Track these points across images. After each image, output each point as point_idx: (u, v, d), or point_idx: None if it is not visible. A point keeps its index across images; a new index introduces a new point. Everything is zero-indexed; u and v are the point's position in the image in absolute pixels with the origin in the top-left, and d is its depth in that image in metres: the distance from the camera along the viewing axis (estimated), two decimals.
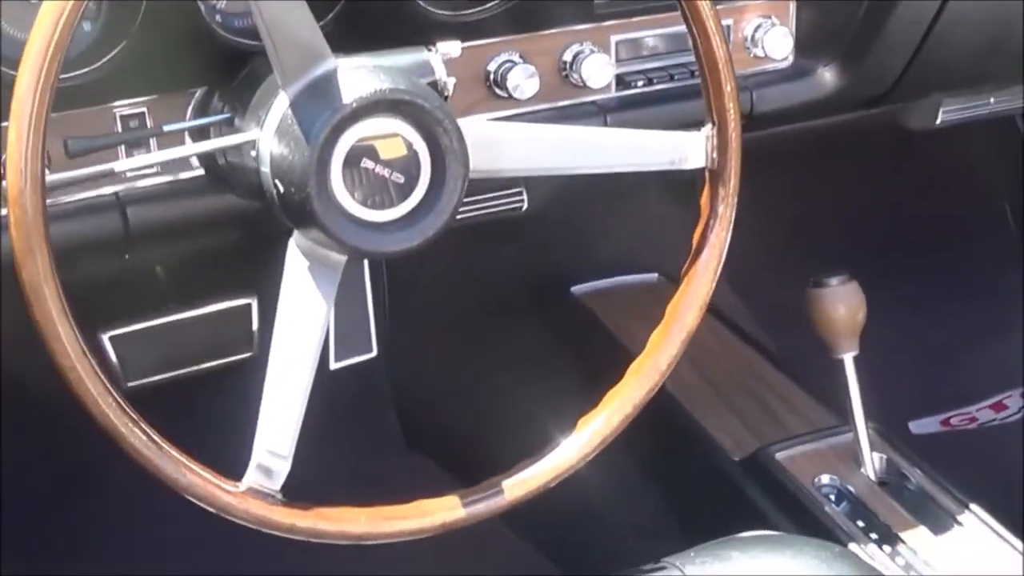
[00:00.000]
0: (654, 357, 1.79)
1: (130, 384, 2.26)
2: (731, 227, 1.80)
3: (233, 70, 1.84)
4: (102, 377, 1.52)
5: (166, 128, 1.81)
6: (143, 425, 1.55)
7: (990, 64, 2.64)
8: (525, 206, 2.23)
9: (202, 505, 1.57)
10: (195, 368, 2.28)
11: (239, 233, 1.98)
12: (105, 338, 2.19)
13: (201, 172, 1.88)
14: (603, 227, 2.38)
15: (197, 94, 1.89)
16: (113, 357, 2.21)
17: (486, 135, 1.66)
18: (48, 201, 1.48)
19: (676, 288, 2.59)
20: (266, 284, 2.05)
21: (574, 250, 2.90)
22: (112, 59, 1.79)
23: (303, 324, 1.62)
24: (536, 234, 2.19)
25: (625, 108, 2.21)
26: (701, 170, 1.78)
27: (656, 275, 3.07)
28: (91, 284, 1.79)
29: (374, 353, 2.10)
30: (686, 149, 1.76)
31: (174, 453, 1.56)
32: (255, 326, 2.27)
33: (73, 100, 1.70)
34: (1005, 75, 2.74)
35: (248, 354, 2.28)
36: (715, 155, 1.77)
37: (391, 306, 2.43)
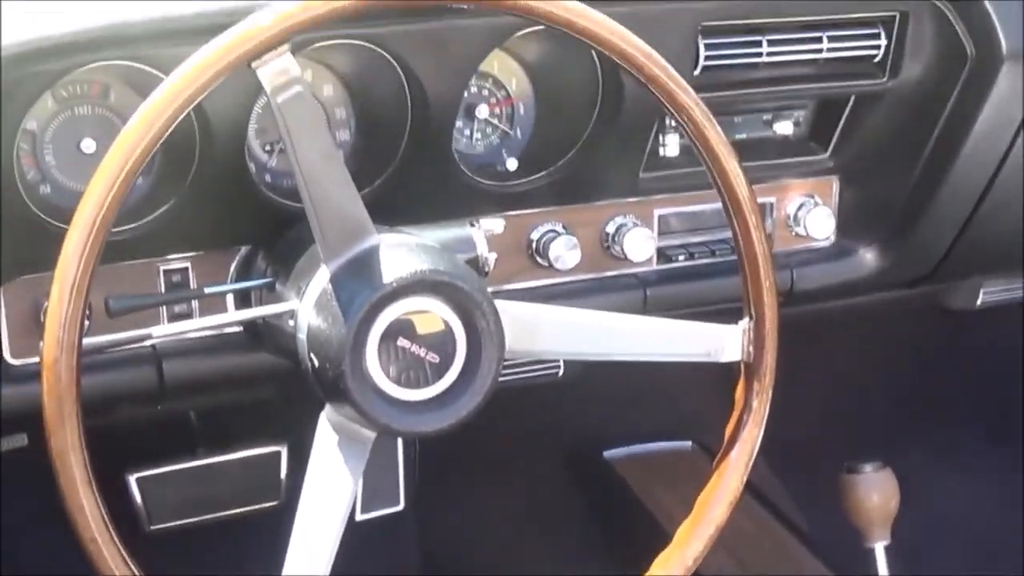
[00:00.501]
0: (681, 551, 1.79)
1: (153, 527, 2.24)
2: (764, 422, 1.80)
3: (278, 231, 1.85)
4: (122, 551, 1.52)
5: (208, 290, 1.83)
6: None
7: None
8: (561, 373, 2.22)
9: None
10: (220, 514, 2.26)
11: (272, 389, 1.97)
12: (132, 480, 2.18)
13: (238, 329, 1.86)
14: (638, 392, 2.37)
15: (241, 252, 1.90)
16: (138, 499, 2.19)
17: (523, 317, 1.66)
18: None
19: (710, 458, 2.61)
20: (296, 434, 2.06)
21: (608, 415, 2.88)
22: (160, 215, 1.81)
23: (330, 497, 1.61)
24: (571, 398, 2.18)
25: (665, 282, 2.21)
26: (738, 363, 1.78)
27: (690, 443, 3.06)
28: (121, 425, 1.80)
29: (401, 507, 2.10)
30: (723, 342, 1.77)
31: None
32: (283, 474, 2.25)
33: (116, 254, 1.71)
34: None
35: (274, 502, 2.27)
36: (751, 349, 1.77)
37: (421, 459, 2.42)
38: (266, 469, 2.25)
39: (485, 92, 2.04)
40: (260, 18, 1.48)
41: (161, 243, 1.85)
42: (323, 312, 1.57)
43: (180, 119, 1.48)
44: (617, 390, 2.23)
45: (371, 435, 1.61)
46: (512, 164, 2.06)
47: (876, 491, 2.39)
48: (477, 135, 2.05)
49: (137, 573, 1.52)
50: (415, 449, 2.32)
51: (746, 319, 1.78)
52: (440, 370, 1.57)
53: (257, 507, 2.26)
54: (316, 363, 1.57)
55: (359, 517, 2.14)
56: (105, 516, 1.51)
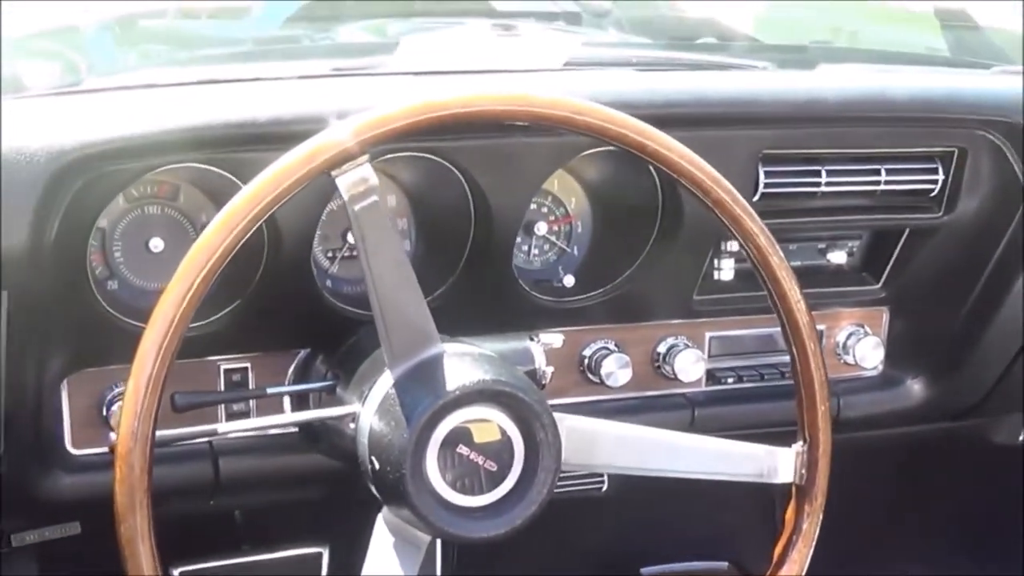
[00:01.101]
0: None
1: None
2: (814, 544, 1.80)
3: (337, 336, 1.87)
4: None
5: (271, 391, 1.85)
6: None
7: None
8: (604, 488, 2.23)
9: None
10: None
11: (320, 491, 1.99)
12: (175, 574, 2.21)
13: (294, 430, 1.88)
14: (678, 510, 2.37)
15: (300, 355, 1.92)
16: None
17: (581, 430, 1.68)
18: None
19: None
20: (338, 535, 2.09)
21: (647, 531, 2.87)
22: (224, 316, 1.83)
23: None
24: (611, 512, 2.19)
25: (714, 403, 2.22)
26: (790, 484, 1.79)
27: (727, 564, 3.04)
28: (169, 518, 1.83)
29: None
30: (776, 463, 1.78)
31: None
32: (325, 572, 2.26)
33: (181, 352, 1.75)
34: None
35: None
36: (804, 471, 1.78)
37: (459, 565, 2.43)
38: (307, 569, 2.25)
39: (544, 209, 2.06)
40: (341, 129, 1.51)
41: (224, 343, 1.88)
42: (386, 416, 1.59)
43: (260, 223, 1.51)
44: (656, 507, 2.23)
45: (426, 538, 1.63)
46: (569, 281, 2.07)
47: None
48: (535, 251, 2.07)
49: None
50: (454, 554, 2.31)
51: (800, 442, 1.78)
52: (497, 479, 1.59)
53: None
54: (377, 466, 1.59)
55: None
56: None
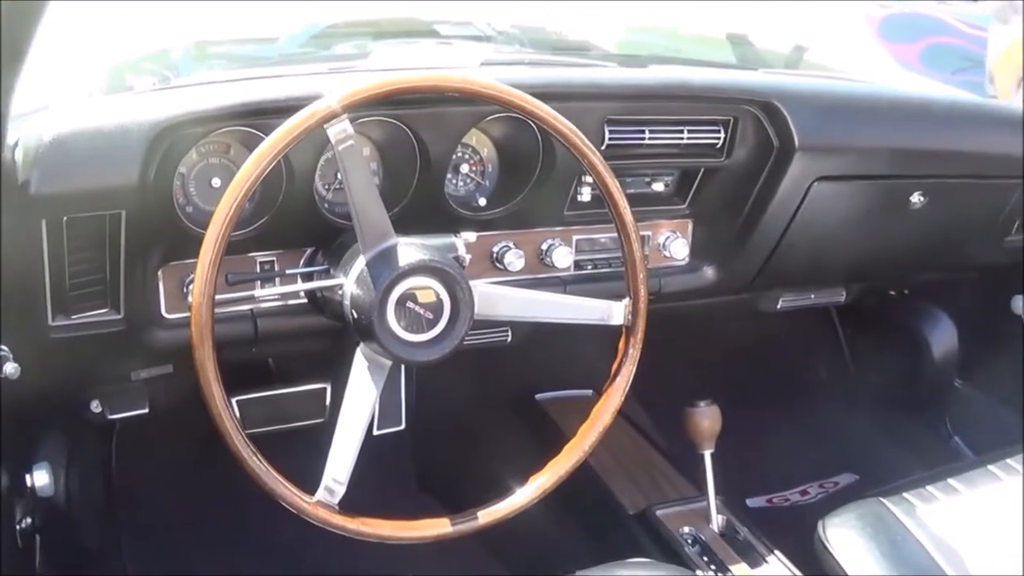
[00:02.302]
0: (580, 441, 1.81)
1: (246, 432, 2.24)
2: (636, 363, 1.82)
3: (331, 238, 1.88)
4: (237, 424, 1.59)
5: (289, 271, 1.89)
6: (258, 457, 1.61)
7: (811, 273, 2.65)
8: (509, 339, 2.23)
9: (288, 508, 1.63)
10: (287, 425, 2.25)
11: (325, 342, 1.97)
12: (234, 401, 2.20)
13: (305, 301, 1.90)
14: (561, 356, 2.37)
15: (307, 251, 1.93)
16: (237, 413, 2.21)
17: (487, 292, 1.72)
18: None
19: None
20: (337, 374, 2.07)
21: (540, 371, 2.90)
22: (258, 226, 1.85)
23: (361, 403, 1.66)
24: (515, 356, 2.20)
25: (579, 282, 2.21)
26: (621, 326, 1.82)
27: (591, 391, 3.04)
28: (229, 365, 1.83)
29: (403, 427, 2.11)
30: (612, 312, 1.80)
31: (275, 475, 1.61)
32: (327, 402, 2.24)
33: (231, 250, 1.75)
34: (823, 282, 2.77)
35: (322, 419, 2.26)
36: (630, 317, 1.81)
37: (418, 398, 2.42)
38: (317, 397, 2.24)
39: (465, 155, 2.06)
40: (330, 97, 1.56)
41: (258, 243, 1.89)
42: (360, 285, 1.62)
43: (275, 164, 1.57)
44: (547, 353, 2.21)
45: (388, 363, 1.66)
46: (482, 202, 2.07)
47: (706, 419, 2.42)
48: (460, 183, 2.07)
49: (245, 439, 1.60)
50: (414, 390, 2.30)
51: (627, 299, 1.81)
52: (433, 323, 1.63)
53: (311, 422, 2.25)
54: (355, 316, 1.62)
55: (376, 433, 2.11)
56: (227, 402, 1.58)
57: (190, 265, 1.80)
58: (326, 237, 1.90)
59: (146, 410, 2.10)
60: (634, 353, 1.82)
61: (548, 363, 2.49)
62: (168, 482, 2.60)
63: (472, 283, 1.66)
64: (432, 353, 1.64)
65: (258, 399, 2.20)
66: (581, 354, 2.05)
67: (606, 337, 1.86)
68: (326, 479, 1.63)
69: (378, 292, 1.59)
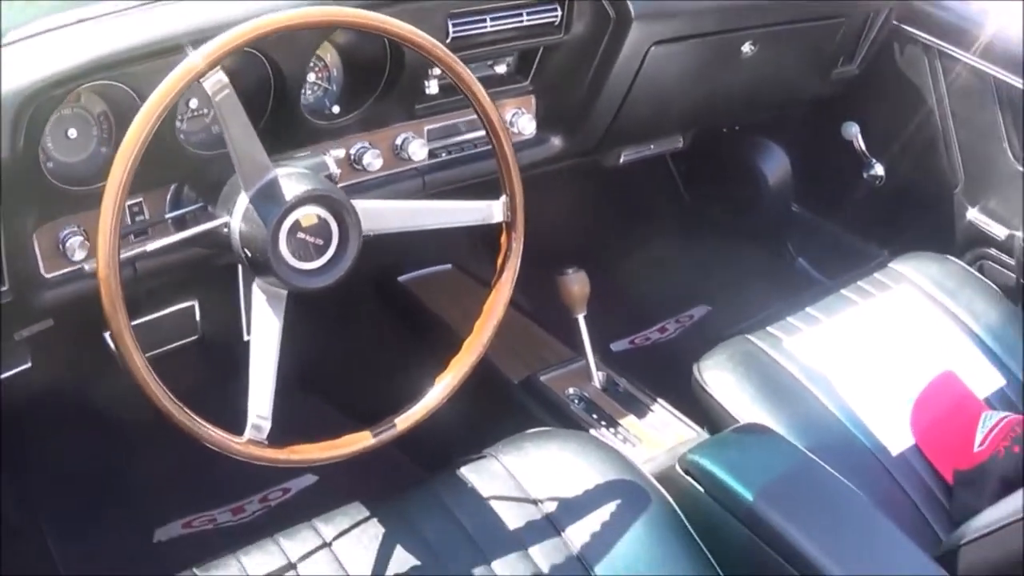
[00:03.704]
0: (478, 336, 1.87)
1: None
2: (520, 256, 1.88)
3: (193, 170, 1.89)
4: (162, 386, 1.60)
5: (173, 214, 1.89)
6: (187, 411, 1.62)
7: (652, 129, 2.77)
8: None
9: (222, 451, 1.66)
10: (164, 348, 2.27)
11: (189, 271, 2.00)
12: (107, 336, 2.20)
13: (178, 238, 1.82)
14: (413, 236, 2.43)
15: (172, 188, 1.92)
16: (113, 348, 2.21)
17: (370, 209, 1.73)
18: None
19: (464, 274, 2.66)
20: (202, 291, 2.11)
21: (397, 253, 2.96)
22: None
23: (268, 337, 1.68)
24: (372, 244, 2.25)
25: (435, 170, 2.26)
26: (502, 222, 1.88)
27: (450, 265, 3.14)
28: (98, 303, 1.83)
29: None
30: (492, 211, 1.85)
31: (204, 423, 1.63)
32: (198, 318, 2.27)
33: (98, 202, 1.74)
34: (660, 134, 2.87)
35: (195, 337, 2.29)
36: (509, 213, 1.86)
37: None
38: (188, 316, 2.28)
39: (311, 64, 2.06)
40: (196, 55, 1.56)
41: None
42: (249, 222, 1.63)
43: (163, 114, 1.56)
44: (400, 236, 2.27)
45: (284, 292, 1.68)
46: (336, 109, 2.09)
47: (576, 284, 2.53)
48: (308, 91, 2.08)
49: (168, 393, 1.61)
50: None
51: (504, 196, 1.86)
52: (324, 250, 1.66)
53: (186, 341, 2.29)
54: (250, 254, 1.64)
55: (246, 339, 2.13)
56: (148, 366, 1.59)
57: (60, 223, 1.81)
58: (187, 170, 1.90)
59: (28, 364, 2.09)
60: (517, 247, 1.87)
61: (403, 245, 2.55)
62: (64, 436, 2.61)
63: (356, 203, 1.69)
64: (328, 278, 1.67)
65: (139, 327, 2.18)
66: (433, 232, 2.11)
67: None
68: (251, 417, 1.66)
69: (269, 228, 1.60)
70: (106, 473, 2.60)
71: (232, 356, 1.96)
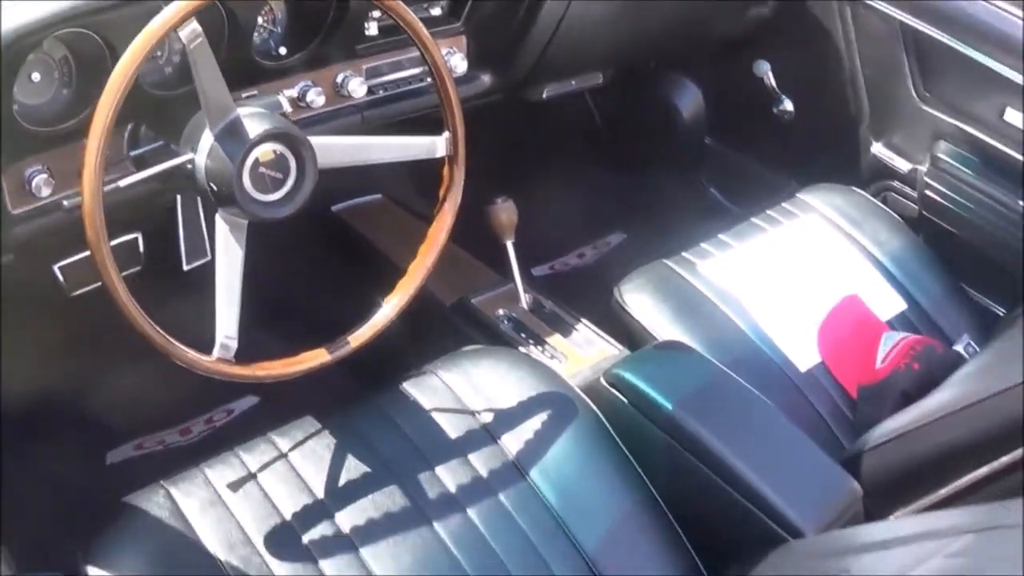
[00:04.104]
0: (423, 261, 2.01)
1: (71, 294, 2.33)
2: (461, 188, 2.01)
3: (152, 110, 1.97)
4: (144, 315, 1.72)
5: (133, 153, 1.99)
6: (166, 336, 1.75)
7: (575, 66, 2.90)
8: None
9: (195, 369, 1.80)
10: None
11: (138, 208, 2.04)
12: (56, 268, 2.29)
13: (148, 174, 1.87)
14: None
15: (129, 127, 2.00)
16: (61, 278, 2.31)
17: (325, 145, 1.86)
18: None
19: (396, 204, 2.76)
20: (145, 224, 2.23)
21: (333, 182, 3.05)
22: (85, 115, 1.85)
23: (231, 263, 1.80)
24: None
25: (373, 107, 2.37)
26: (444, 156, 1.99)
27: (380, 195, 3.26)
28: (47, 233, 1.95)
29: (209, 257, 2.22)
30: (436, 145, 1.97)
31: (182, 346, 1.77)
32: (141, 250, 2.35)
33: (60, 143, 1.87)
34: (582, 71, 3.00)
35: (139, 267, 2.36)
36: (451, 148, 1.98)
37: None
38: (132, 248, 2.35)
39: (263, 11, 2.16)
40: (173, 7, 1.68)
41: (84, 132, 1.81)
42: (214, 159, 1.77)
43: (144, 61, 1.67)
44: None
45: (246, 222, 1.81)
46: (283, 51, 2.20)
47: (504, 213, 2.66)
48: (255, 35, 2.16)
49: (146, 316, 1.73)
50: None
51: (447, 132, 1.98)
52: (282, 183, 1.81)
53: (130, 271, 2.34)
54: (215, 188, 1.77)
55: (185, 268, 2.26)
56: (129, 293, 1.71)
57: (28, 162, 1.90)
58: (146, 110, 1.97)
59: None
60: (459, 179, 2.00)
61: (335, 177, 2.65)
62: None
63: (313, 139, 1.82)
64: (287, 209, 1.81)
65: (78, 262, 2.28)
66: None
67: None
68: (219, 337, 1.79)
69: (235, 164, 1.73)
70: (57, 400, 2.69)
71: (174, 284, 2.16)
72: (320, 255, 3.17)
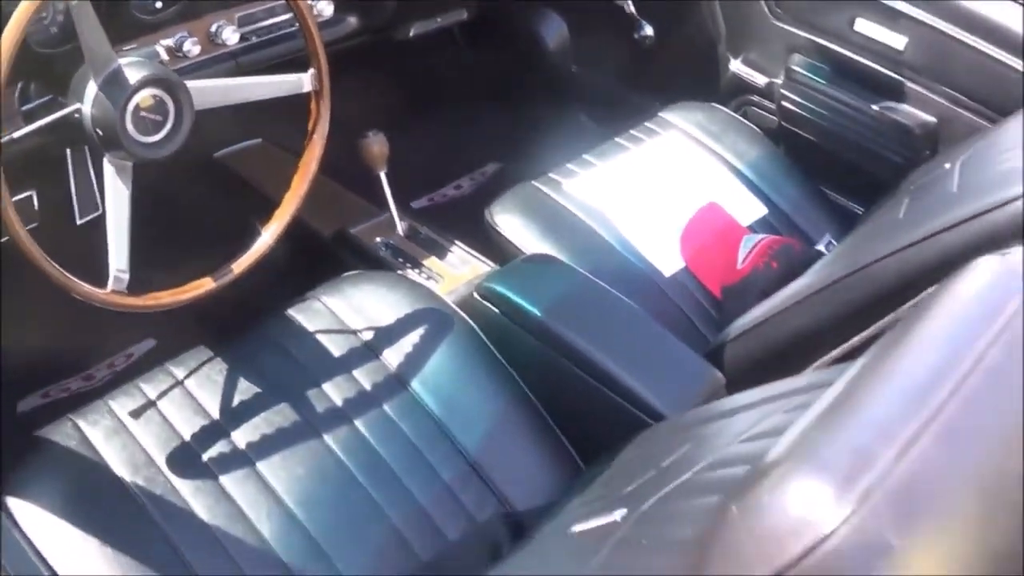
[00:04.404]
0: (297, 191, 2.13)
1: None
2: (328, 120, 2.12)
3: (39, 67, 2.03)
4: (41, 251, 1.82)
5: (24, 108, 2.05)
6: (60, 270, 1.86)
7: (436, 3, 3.03)
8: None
9: (91, 301, 1.91)
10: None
11: (29, 163, 2.10)
12: None
13: (37, 125, 1.92)
14: (219, 115, 2.38)
15: (19, 85, 2.06)
16: None
17: (199, 88, 1.98)
18: None
19: (276, 146, 2.86)
20: (39, 182, 2.30)
21: (214, 129, 3.02)
22: None
23: (119, 203, 1.91)
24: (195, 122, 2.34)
25: (247, 53, 2.47)
26: (311, 91, 2.10)
27: (259, 140, 3.36)
28: None
29: (100, 211, 2.24)
30: (302, 81, 2.09)
31: (77, 280, 1.88)
32: (36, 207, 2.37)
33: None
34: (446, 7, 3.11)
35: (35, 224, 2.35)
36: (316, 84, 2.10)
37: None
38: (27, 205, 2.35)
39: None
40: None
41: None
42: (99, 107, 1.87)
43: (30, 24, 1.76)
44: (218, 114, 2.32)
45: (131, 164, 1.93)
46: (159, 4, 2.26)
47: (376, 145, 2.78)
48: None
49: (44, 253, 1.83)
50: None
51: (312, 69, 2.07)
52: (163, 125, 1.92)
53: (30, 227, 2.22)
54: (101, 133, 1.88)
55: (79, 223, 2.33)
56: (29, 234, 1.81)
57: None
58: (33, 66, 2.02)
59: None
60: (325, 112, 2.11)
61: (216, 124, 2.64)
62: None
63: (189, 83, 1.93)
64: (168, 148, 1.92)
65: None
66: (242, 110, 2.32)
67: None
68: (112, 271, 1.90)
69: (117, 109, 1.84)
70: None
71: (69, 238, 2.22)
72: (205, 198, 3.25)
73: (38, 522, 1.84)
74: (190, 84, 1.96)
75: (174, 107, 1.93)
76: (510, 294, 2.19)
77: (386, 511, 1.91)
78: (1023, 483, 0.98)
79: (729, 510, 0.91)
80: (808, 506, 0.86)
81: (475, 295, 2.25)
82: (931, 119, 2.82)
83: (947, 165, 2.32)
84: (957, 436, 0.94)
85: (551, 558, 1.54)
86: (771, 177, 2.82)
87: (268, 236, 2.12)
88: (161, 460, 1.91)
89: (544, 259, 2.42)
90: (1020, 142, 2.06)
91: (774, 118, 3.15)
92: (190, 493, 1.91)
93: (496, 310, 2.20)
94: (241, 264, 2.08)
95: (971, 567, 0.92)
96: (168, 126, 1.94)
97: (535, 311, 2.14)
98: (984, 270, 1.16)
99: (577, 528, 1.50)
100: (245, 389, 2.07)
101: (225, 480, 1.93)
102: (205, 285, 2.05)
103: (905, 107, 2.86)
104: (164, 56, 2.16)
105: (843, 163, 2.99)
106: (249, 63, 2.49)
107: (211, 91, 2.03)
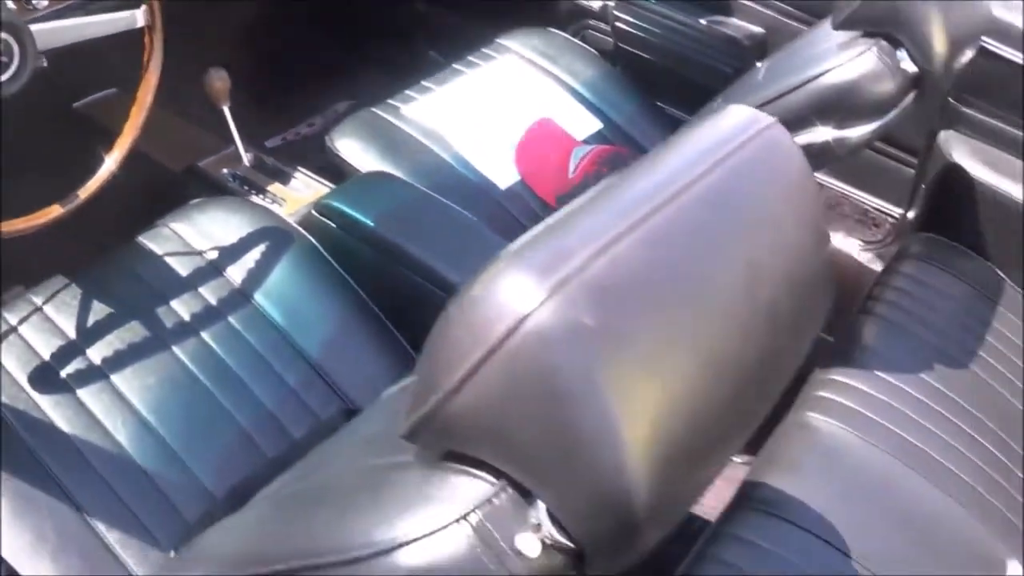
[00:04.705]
0: (135, 120, 2.19)
1: None
2: (162, 53, 2.17)
3: None
4: None
5: None
6: None
7: None
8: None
9: None
10: None
11: None
12: None
13: None
14: (81, 64, 2.45)
15: None
16: None
17: (42, 29, 2.04)
18: None
19: (128, 93, 2.90)
20: None
21: (69, 81, 3.12)
22: None
23: None
24: (49, 74, 2.20)
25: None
26: (144, 26, 2.17)
27: (114, 89, 3.38)
28: None
29: None
30: (135, 17, 2.15)
31: None
32: None
33: None
34: None
35: None
36: (149, 18, 2.16)
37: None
38: None
39: None
40: None
41: None
42: None
43: None
44: (60, 65, 2.20)
45: None
46: None
47: (218, 80, 2.78)
48: None
49: None
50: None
51: (144, 6, 2.12)
52: (8, 65, 1.99)
53: None
54: None
55: None
56: None
57: None
58: None
59: None
60: (159, 45, 2.18)
61: (71, 75, 2.59)
62: None
63: (33, 27, 2.01)
64: (15, 85, 1.96)
65: None
66: (94, 60, 2.39)
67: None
68: None
69: None
70: None
71: None
72: (62, 149, 3.26)
73: None
74: (33, 28, 2.04)
75: (18, 48, 2.01)
76: (345, 207, 2.35)
77: (235, 415, 2.05)
78: (732, 294, 1.14)
79: (448, 309, 1.08)
80: (510, 293, 1.01)
81: (313, 212, 2.40)
82: (759, 30, 2.96)
83: (758, 64, 2.50)
84: (659, 242, 1.09)
85: (372, 416, 1.67)
86: (606, 94, 2.95)
87: (111, 163, 2.20)
88: (23, 379, 2.01)
89: (377, 175, 2.56)
90: (822, 38, 2.22)
91: (610, 39, 3.23)
92: (50, 407, 1.99)
93: (333, 224, 2.35)
94: (87, 189, 2.17)
95: (687, 361, 1.07)
96: (14, 66, 2.00)
97: (368, 222, 2.29)
98: (734, 114, 1.29)
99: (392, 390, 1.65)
100: (99, 310, 2.19)
101: (82, 393, 2.06)
102: (54, 212, 2.14)
103: (733, 20, 3.00)
104: (10, 5, 2.19)
105: (677, 77, 3.09)
106: (99, 11, 2.45)
107: (51, 33, 2.09)
